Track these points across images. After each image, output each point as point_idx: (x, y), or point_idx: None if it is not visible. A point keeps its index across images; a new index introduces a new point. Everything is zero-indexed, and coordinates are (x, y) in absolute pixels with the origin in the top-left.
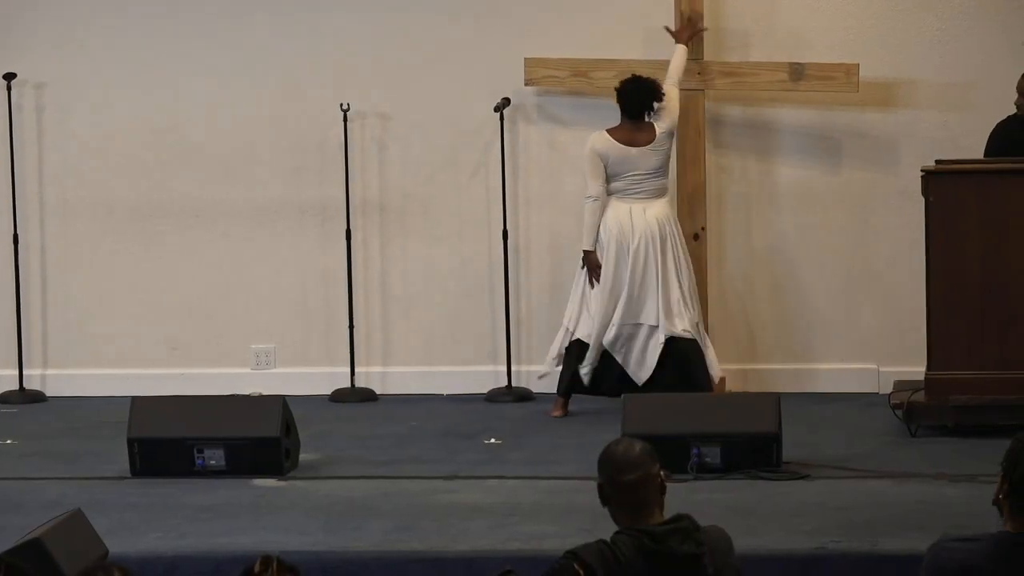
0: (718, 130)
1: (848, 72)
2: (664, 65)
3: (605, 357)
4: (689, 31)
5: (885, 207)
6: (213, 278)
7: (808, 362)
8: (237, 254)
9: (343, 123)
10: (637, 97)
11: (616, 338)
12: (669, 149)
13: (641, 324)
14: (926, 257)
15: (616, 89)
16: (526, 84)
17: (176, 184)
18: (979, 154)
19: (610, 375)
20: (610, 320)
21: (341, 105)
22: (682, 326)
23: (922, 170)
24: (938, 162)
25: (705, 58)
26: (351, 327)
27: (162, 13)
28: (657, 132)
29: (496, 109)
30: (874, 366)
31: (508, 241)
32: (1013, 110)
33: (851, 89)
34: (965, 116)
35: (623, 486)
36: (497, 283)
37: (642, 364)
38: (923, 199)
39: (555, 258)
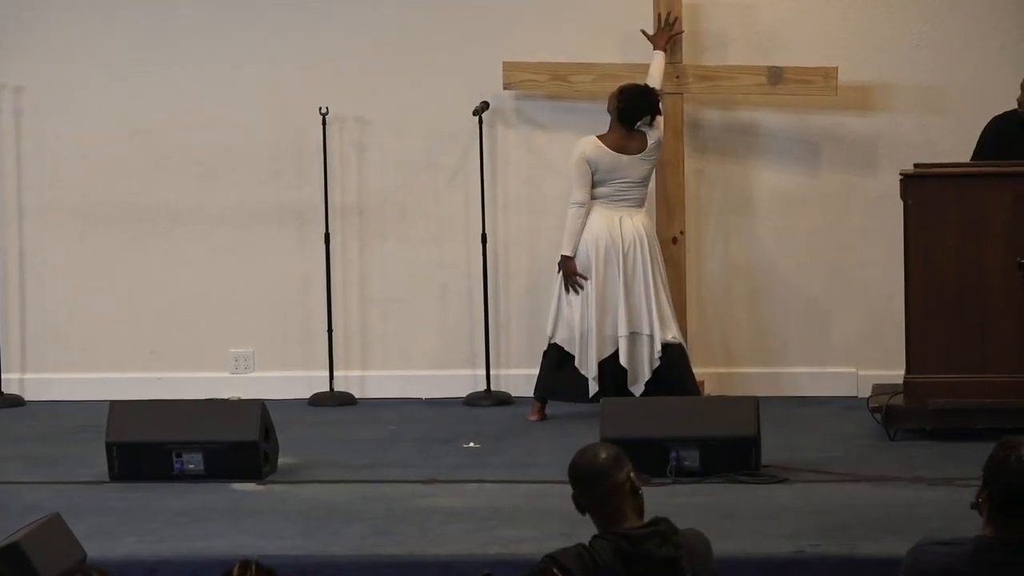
0: (696, 134)
1: (826, 75)
2: (643, 69)
3: (572, 363)
4: (666, 36)
5: (863, 210)
6: (192, 282)
7: (787, 366)
8: (216, 258)
9: (322, 126)
10: (641, 105)
11: (625, 350)
12: (656, 159)
13: (638, 334)
14: (904, 261)
15: (619, 94)
16: (505, 88)
17: (155, 188)
18: (957, 157)
19: (581, 381)
20: (608, 330)
21: (320, 108)
22: (671, 333)
23: (900, 174)
24: (916, 166)
25: (683, 61)
26: (330, 331)
27: (140, 17)
28: (648, 142)
29: (475, 113)
30: (853, 370)
31: (487, 245)
32: (997, 110)
33: (830, 92)
34: (943, 120)
35: (592, 498)
36: (476, 287)
37: (637, 374)
38: (901, 203)
39: (534, 262)
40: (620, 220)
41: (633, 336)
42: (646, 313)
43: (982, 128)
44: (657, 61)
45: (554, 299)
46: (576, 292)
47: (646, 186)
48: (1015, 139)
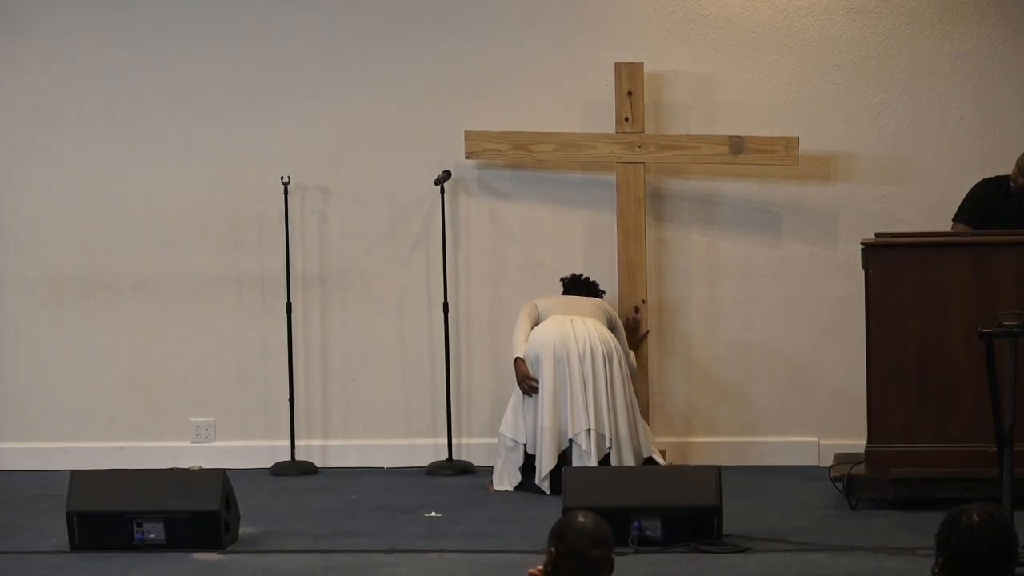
0: (658, 203)
1: (788, 145)
2: (604, 138)
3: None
4: (633, 339)
5: (825, 280)
6: (152, 351)
7: (748, 435)
8: (177, 327)
9: (283, 196)
10: (579, 287)
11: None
12: (605, 316)
13: (590, 430)
14: (866, 330)
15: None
16: (466, 157)
17: (116, 257)
18: (918, 227)
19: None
20: (561, 428)
21: (281, 178)
22: (619, 435)
23: (861, 243)
24: (877, 235)
25: (645, 131)
26: (291, 400)
27: (100, 87)
28: (602, 307)
29: (436, 182)
30: (814, 439)
31: (448, 314)
32: (957, 180)
33: (791, 162)
34: (903, 189)
35: (587, 561)
36: (437, 356)
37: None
38: (863, 272)
39: (495, 331)
40: (572, 322)
41: (587, 432)
42: (593, 410)
43: (943, 195)
44: (631, 360)
45: (512, 398)
46: (530, 394)
47: (598, 317)
48: (999, 205)
